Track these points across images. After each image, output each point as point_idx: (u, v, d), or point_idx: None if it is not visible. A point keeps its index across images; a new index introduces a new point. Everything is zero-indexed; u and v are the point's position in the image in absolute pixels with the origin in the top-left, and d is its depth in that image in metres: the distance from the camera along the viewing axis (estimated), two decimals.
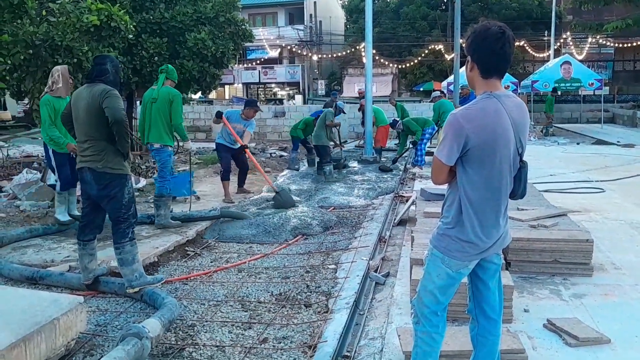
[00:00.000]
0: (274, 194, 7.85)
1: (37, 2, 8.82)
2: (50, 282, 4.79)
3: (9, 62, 8.12)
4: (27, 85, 8.71)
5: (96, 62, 4.49)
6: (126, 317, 4.19)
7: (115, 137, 4.23)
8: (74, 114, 4.41)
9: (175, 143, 6.92)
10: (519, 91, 22.03)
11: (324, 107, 14.92)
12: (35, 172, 8.87)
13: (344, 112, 12.37)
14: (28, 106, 14.23)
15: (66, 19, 8.45)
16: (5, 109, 26.24)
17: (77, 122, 4.38)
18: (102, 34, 8.88)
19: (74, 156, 6.34)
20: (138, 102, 19.99)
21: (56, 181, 6.65)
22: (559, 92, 22.12)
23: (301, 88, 40.20)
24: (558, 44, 31.34)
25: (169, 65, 7.30)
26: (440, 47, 33.88)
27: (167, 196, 6.58)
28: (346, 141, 14.46)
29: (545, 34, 33.14)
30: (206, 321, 4.07)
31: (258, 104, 8.89)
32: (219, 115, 8.48)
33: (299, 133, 12.13)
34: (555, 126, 21.02)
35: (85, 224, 4.52)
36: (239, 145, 8.36)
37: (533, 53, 33.53)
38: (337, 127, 11.61)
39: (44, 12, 8.63)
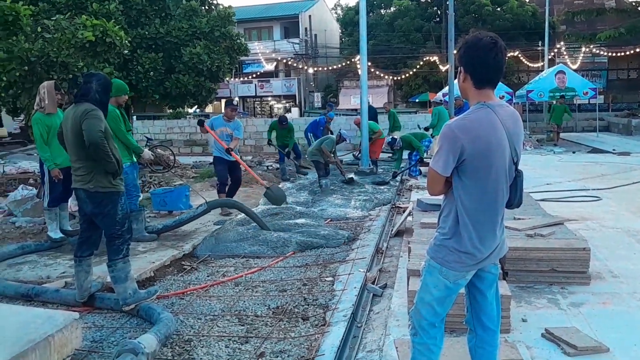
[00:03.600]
0: (273, 205, 7.84)
1: (32, 18, 8.86)
2: (46, 298, 4.75)
3: (5, 78, 8.15)
4: (22, 102, 8.74)
5: (83, 81, 4.46)
6: (122, 333, 4.15)
7: None
8: (64, 134, 4.41)
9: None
10: (513, 101, 22.09)
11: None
12: (31, 188, 8.85)
13: (346, 141, 12.38)
14: (24, 122, 14.25)
15: (61, 35, 8.48)
16: (1, 125, 26.25)
17: (67, 142, 4.38)
18: (97, 50, 8.92)
19: (56, 181, 6.36)
20: (135, 118, 20.07)
21: (41, 197, 6.63)
22: (565, 99, 20.48)
23: (297, 101, 40.33)
24: (552, 53, 31.53)
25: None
26: (435, 58, 34.08)
27: (136, 211, 6.49)
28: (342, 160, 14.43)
29: (539, 44, 33.40)
30: (203, 336, 4.04)
31: (235, 102, 8.87)
32: (200, 123, 8.45)
33: (268, 135, 13.06)
34: (562, 139, 20.10)
35: (83, 240, 4.51)
36: (234, 158, 8.35)
37: (527, 63, 33.79)
38: (330, 159, 11.16)
39: (39, 29, 8.66)
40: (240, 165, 8.52)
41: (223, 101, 41.55)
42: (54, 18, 9.07)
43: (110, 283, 4.64)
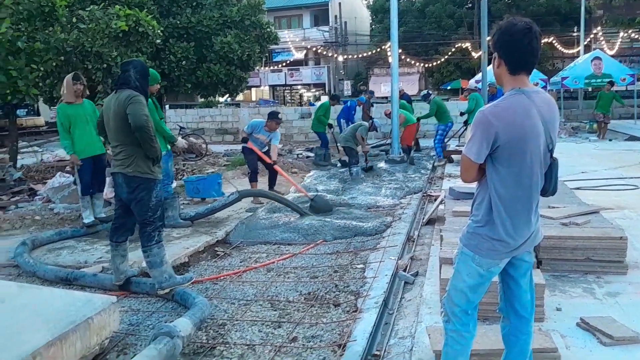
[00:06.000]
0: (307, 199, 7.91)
1: (67, 9, 9.02)
2: (84, 282, 4.90)
3: (42, 69, 8.33)
4: (59, 91, 8.93)
5: (121, 70, 4.57)
6: (158, 317, 4.25)
7: None
8: (105, 121, 4.51)
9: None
10: (548, 88, 21.62)
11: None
12: (68, 175, 9.06)
13: (376, 131, 12.54)
14: None
15: (95, 26, 8.63)
16: (38, 114, 26.92)
17: (108, 128, 4.48)
18: (131, 39, 9.05)
19: (72, 168, 6.56)
20: (167, 107, 20.31)
21: (77, 184, 6.87)
22: (613, 86, 17.61)
23: (327, 89, 40.24)
24: (588, 39, 30.70)
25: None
26: (467, 45, 33.57)
27: (170, 198, 6.64)
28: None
29: (575, 30, 32.53)
30: (236, 320, 4.11)
31: (279, 115, 8.81)
32: (245, 141, 8.53)
33: (322, 127, 12.74)
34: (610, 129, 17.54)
35: (118, 226, 4.62)
36: (265, 148, 8.43)
37: (562, 49, 32.95)
38: (363, 146, 11.29)
39: (74, 19, 8.82)
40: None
41: (253, 90, 41.86)
42: (89, 8, 9.23)
43: (146, 269, 4.75)
